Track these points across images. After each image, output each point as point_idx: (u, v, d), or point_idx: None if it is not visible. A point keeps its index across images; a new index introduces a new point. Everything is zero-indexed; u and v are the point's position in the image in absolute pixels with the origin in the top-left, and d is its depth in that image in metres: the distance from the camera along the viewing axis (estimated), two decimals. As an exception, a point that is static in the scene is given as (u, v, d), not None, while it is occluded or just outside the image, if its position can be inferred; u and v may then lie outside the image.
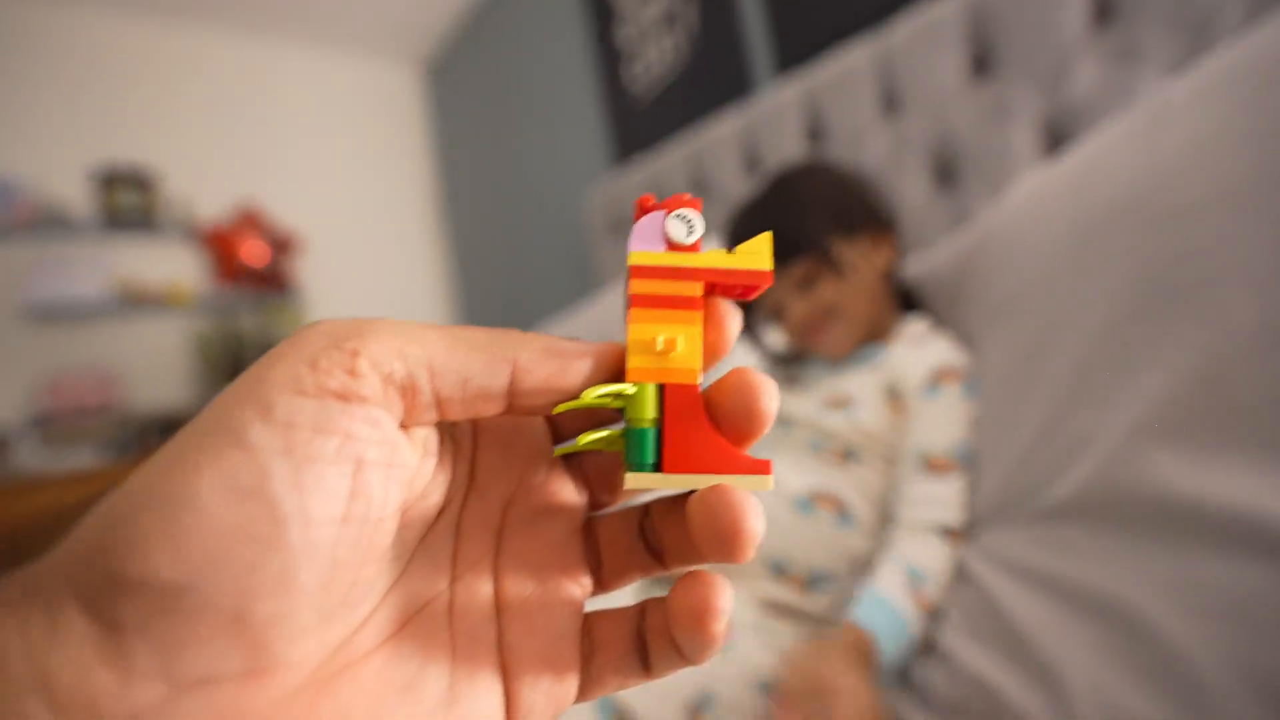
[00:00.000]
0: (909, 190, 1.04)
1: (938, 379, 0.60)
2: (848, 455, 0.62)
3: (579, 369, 0.16)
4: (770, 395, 0.16)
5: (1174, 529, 0.41)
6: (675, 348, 0.16)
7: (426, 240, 3.02)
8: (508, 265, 2.58)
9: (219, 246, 2.35)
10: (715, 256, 0.17)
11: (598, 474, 0.19)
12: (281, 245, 2.49)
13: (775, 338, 0.76)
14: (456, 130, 2.85)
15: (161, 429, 2.11)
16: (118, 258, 2.21)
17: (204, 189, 2.40)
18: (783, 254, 0.64)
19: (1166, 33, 0.77)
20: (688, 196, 0.17)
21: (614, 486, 0.19)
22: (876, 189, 0.71)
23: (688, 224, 0.17)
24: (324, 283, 2.67)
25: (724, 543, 0.15)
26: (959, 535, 0.56)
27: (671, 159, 1.51)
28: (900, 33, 1.03)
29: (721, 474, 0.16)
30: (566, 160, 2.13)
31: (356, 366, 0.13)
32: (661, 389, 0.16)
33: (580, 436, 0.17)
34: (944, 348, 0.62)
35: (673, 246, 0.17)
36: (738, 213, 0.71)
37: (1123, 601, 0.41)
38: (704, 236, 0.17)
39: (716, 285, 0.17)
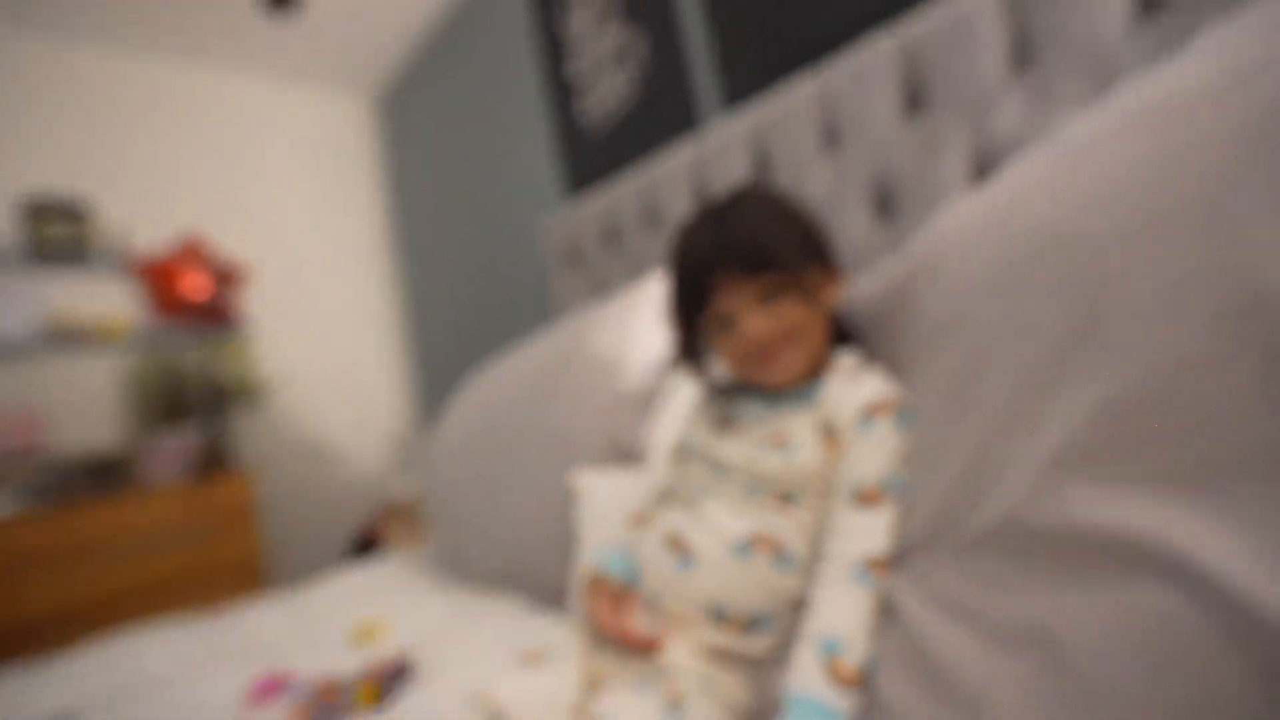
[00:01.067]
0: (851, 221, 1.07)
1: (870, 412, 0.60)
2: (786, 498, 0.62)
3: None
4: None
5: (1090, 559, 0.42)
6: None
7: (379, 271, 2.98)
8: (462, 296, 2.56)
9: (157, 279, 2.27)
10: None
11: None
12: (226, 277, 2.41)
13: (718, 367, 0.74)
14: (409, 161, 2.83)
15: (88, 473, 1.99)
16: (47, 292, 2.11)
17: (143, 220, 2.32)
18: (749, 263, 0.62)
19: (1076, 75, 0.83)
20: None
21: None
22: (824, 226, 0.70)
23: None
24: (272, 315, 2.59)
25: None
26: (884, 566, 0.55)
27: (624, 190, 1.53)
28: (838, 71, 1.08)
29: None
30: (520, 191, 2.14)
31: None
32: None
33: None
34: (876, 383, 0.62)
35: None
36: (694, 218, 0.68)
37: (1047, 633, 0.42)
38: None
39: None
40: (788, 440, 0.63)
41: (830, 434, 0.62)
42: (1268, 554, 0.35)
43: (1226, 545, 0.37)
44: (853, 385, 0.62)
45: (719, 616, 0.61)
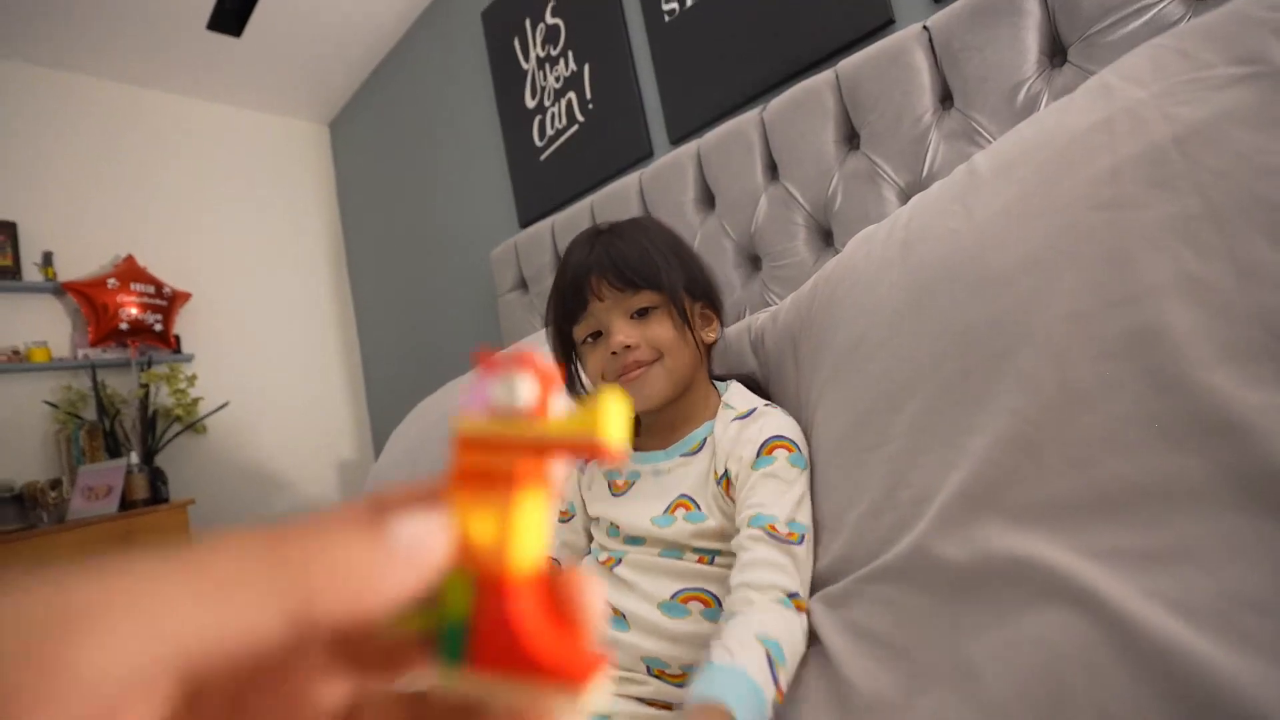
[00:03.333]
0: (796, 251, 1.10)
1: (769, 450, 0.60)
2: (705, 555, 0.61)
3: (400, 573, 0.13)
4: (594, 600, 0.14)
5: (997, 588, 0.42)
6: (498, 532, 0.14)
7: (328, 297, 2.91)
8: (414, 322, 2.52)
9: (89, 304, 2.17)
10: (550, 425, 0.15)
11: (374, 652, 0.15)
12: (163, 302, 2.33)
13: (585, 379, 0.72)
14: (360, 186, 2.80)
15: (8, 506, 1.88)
16: (-33, 316, 2.00)
17: (74, 242, 2.23)
18: (630, 280, 0.63)
19: (997, 112, 0.87)
20: (531, 356, 0.15)
21: (393, 665, 0.15)
22: (715, 274, 0.71)
23: (513, 388, 0.15)
24: (215, 341, 2.50)
25: None
26: (801, 605, 0.55)
27: (573, 218, 1.54)
28: (780, 104, 1.11)
29: (530, 680, 0.14)
30: (472, 218, 2.13)
31: (64, 686, 0.09)
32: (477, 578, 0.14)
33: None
34: (773, 423, 0.62)
35: (498, 414, 0.15)
36: (582, 235, 0.69)
37: (964, 662, 0.43)
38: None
39: (552, 454, 0.15)
40: (688, 504, 0.62)
41: (727, 479, 0.61)
42: (1164, 591, 0.36)
43: (1126, 577, 0.37)
44: (751, 425, 0.62)
45: (655, 670, 0.60)
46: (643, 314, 0.64)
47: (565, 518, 0.76)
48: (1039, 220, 0.46)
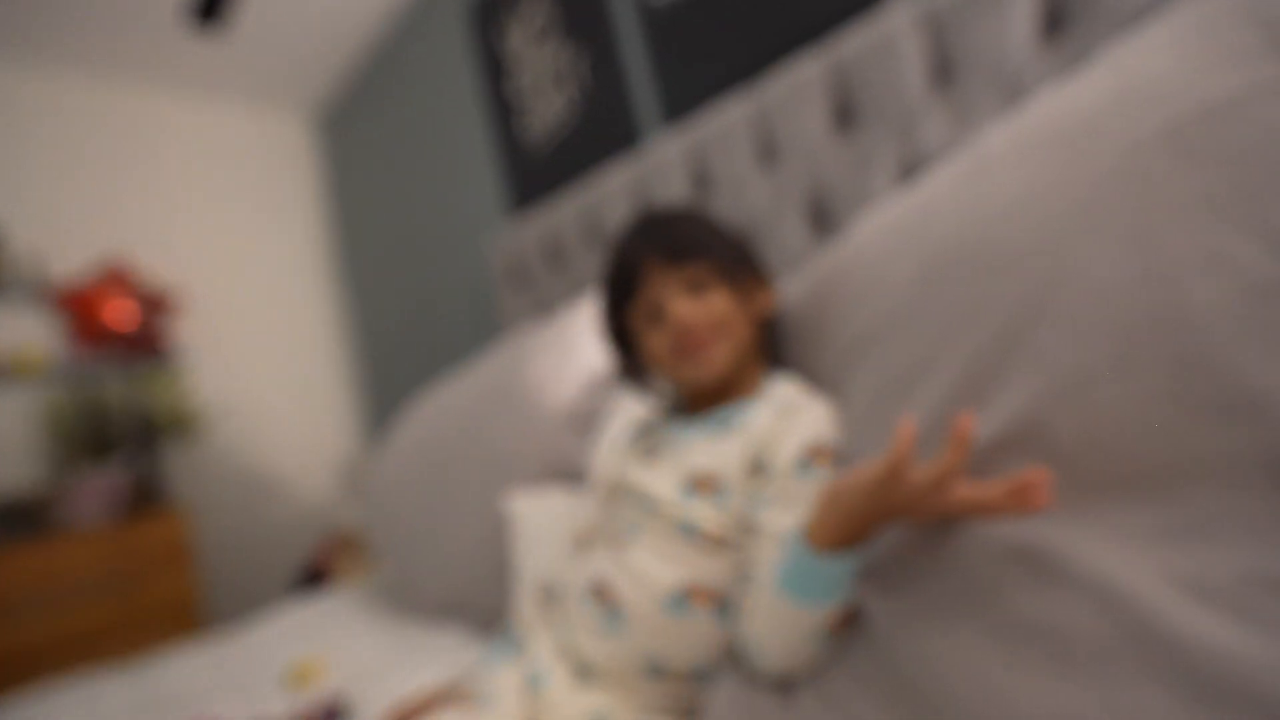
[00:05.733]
0: (788, 235, 1.09)
1: (810, 458, 0.57)
2: (720, 542, 0.58)
3: None
4: None
5: (1008, 575, 0.41)
6: None
7: (322, 294, 2.89)
8: (409, 317, 2.50)
9: (78, 308, 2.14)
10: None
11: None
12: (155, 304, 2.30)
13: (658, 384, 0.73)
14: (351, 181, 2.77)
15: (4, 516, 1.86)
16: (-47, 324, 1.97)
17: (61, 246, 2.20)
18: (680, 253, 0.63)
19: (991, 91, 0.86)
20: None
21: None
22: (757, 246, 0.71)
23: None
24: (209, 343, 2.48)
25: None
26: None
27: (566, 208, 1.52)
28: (773, 89, 1.10)
29: None
30: (465, 210, 2.11)
31: None
32: None
33: None
34: (816, 420, 0.59)
35: None
36: (630, 222, 0.68)
37: (962, 644, 0.42)
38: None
39: None
40: (716, 484, 0.60)
41: (758, 467, 0.59)
42: (1178, 571, 0.35)
43: (1140, 557, 0.37)
44: (791, 420, 0.59)
45: (657, 672, 0.58)
46: (697, 285, 0.63)
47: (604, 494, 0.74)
48: (1057, 198, 0.45)
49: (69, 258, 2.21)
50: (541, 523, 0.88)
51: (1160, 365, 0.38)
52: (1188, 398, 0.37)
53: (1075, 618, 0.38)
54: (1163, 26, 0.47)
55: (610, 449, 0.77)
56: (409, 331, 2.51)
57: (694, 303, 0.63)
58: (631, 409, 0.90)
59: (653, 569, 0.59)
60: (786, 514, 0.55)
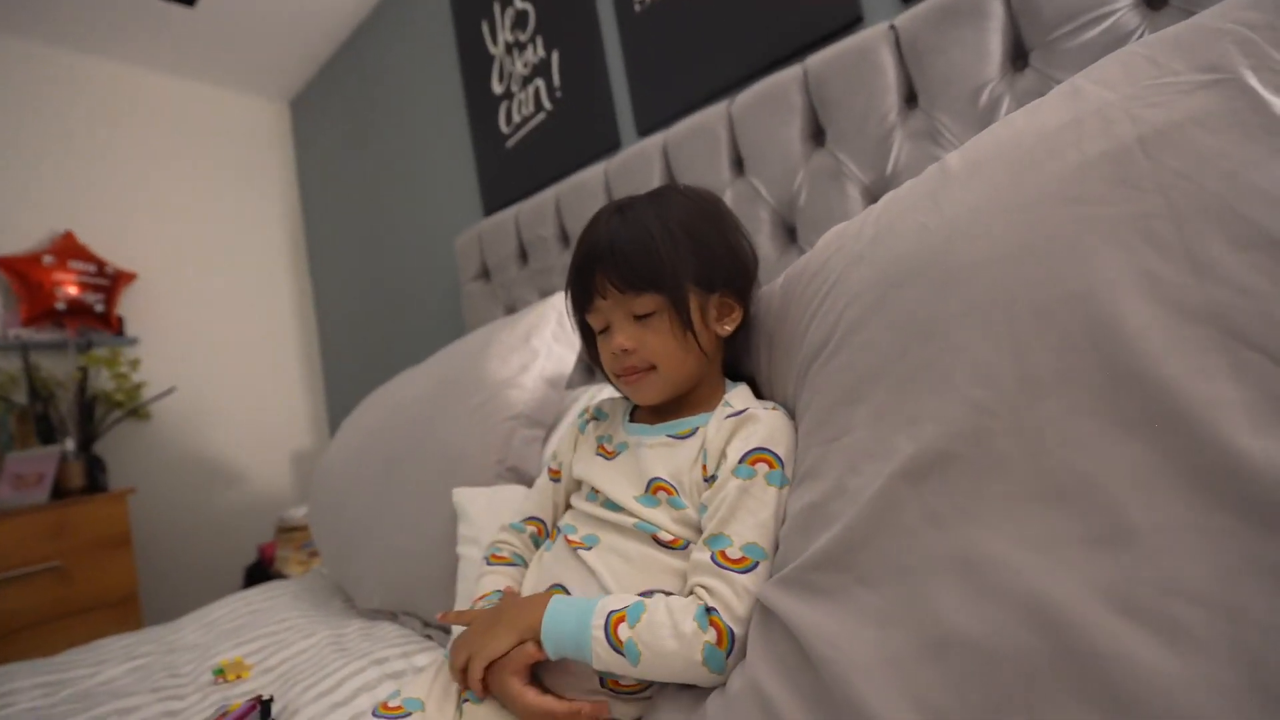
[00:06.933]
0: (761, 245, 1.09)
1: (752, 461, 0.57)
2: (680, 540, 0.59)
3: None
4: None
5: (931, 580, 0.42)
6: None
7: (286, 281, 2.82)
8: (374, 310, 2.45)
9: (21, 280, 2.06)
10: None
11: None
12: (105, 281, 2.22)
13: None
14: (321, 168, 2.71)
15: (-73, 494, 1.76)
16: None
17: (7, 216, 2.11)
18: (632, 284, 0.61)
19: (960, 114, 0.87)
20: None
21: None
22: (745, 248, 0.68)
23: None
24: (163, 324, 2.40)
25: None
26: (717, 622, 0.51)
27: (538, 207, 1.51)
28: (748, 99, 1.10)
29: None
30: (437, 204, 2.08)
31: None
32: None
33: None
34: (763, 430, 0.59)
35: None
36: (604, 209, 0.66)
37: (893, 656, 0.42)
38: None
39: None
40: (672, 493, 0.61)
41: (710, 478, 0.60)
42: (1104, 582, 0.36)
43: (1068, 566, 0.37)
44: (743, 425, 0.60)
45: (608, 681, 0.57)
46: (645, 315, 0.62)
47: (555, 476, 0.75)
48: (1006, 215, 0.46)
49: (18, 229, 2.12)
50: (490, 518, 0.86)
51: (1095, 379, 0.39)
52: (1118, 411, 0.38)
53: (1004, 630, 0.38)
54: (1116, 59, 0.49)
55: (571, 434, 0.76)
56: (375, 326, 2.46)
57: (638, 332, 0.63)
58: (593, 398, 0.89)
59: (611, 579, 0.59)
60: (724, 524, 0.56)
